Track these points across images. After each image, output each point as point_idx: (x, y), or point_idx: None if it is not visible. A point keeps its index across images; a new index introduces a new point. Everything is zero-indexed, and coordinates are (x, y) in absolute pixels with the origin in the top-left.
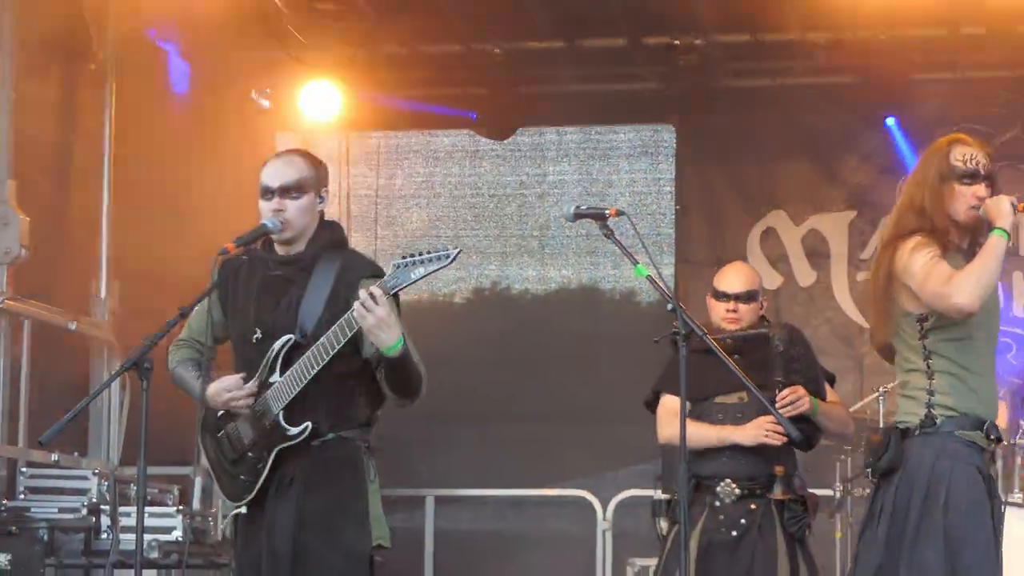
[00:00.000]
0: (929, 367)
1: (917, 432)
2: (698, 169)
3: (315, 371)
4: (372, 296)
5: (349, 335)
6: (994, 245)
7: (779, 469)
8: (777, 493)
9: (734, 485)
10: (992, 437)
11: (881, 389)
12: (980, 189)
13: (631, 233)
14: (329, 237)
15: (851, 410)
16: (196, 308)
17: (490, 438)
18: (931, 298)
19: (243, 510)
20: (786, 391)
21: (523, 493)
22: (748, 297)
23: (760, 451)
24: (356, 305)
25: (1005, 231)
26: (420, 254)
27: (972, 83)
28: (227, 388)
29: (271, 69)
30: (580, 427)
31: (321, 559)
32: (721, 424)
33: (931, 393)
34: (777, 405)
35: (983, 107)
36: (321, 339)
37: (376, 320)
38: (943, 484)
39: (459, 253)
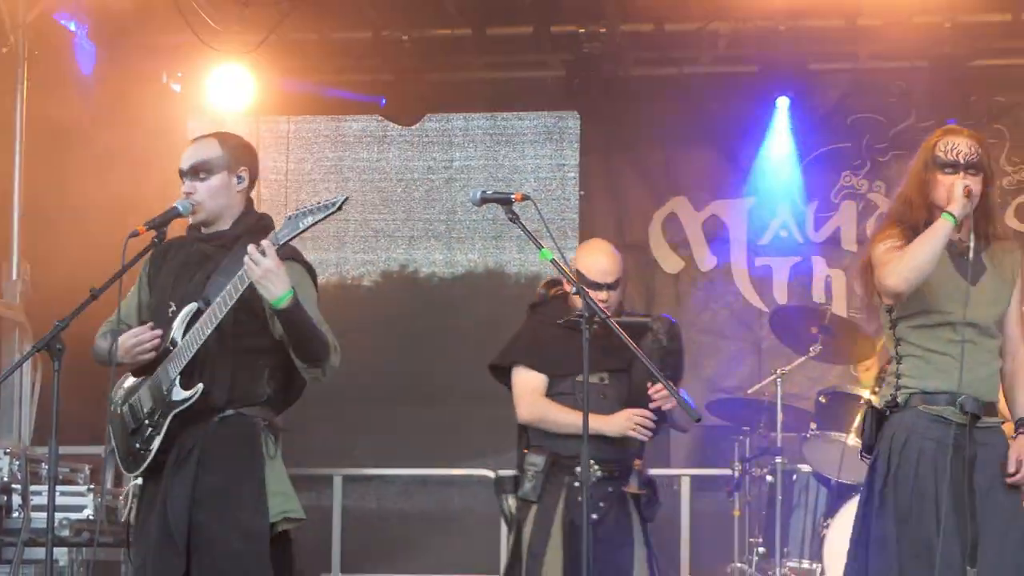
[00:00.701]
0: (898, 353)
1: (888, 412)
2: (602, 155)
3: (210, 330)
4: (261, 249)
5: (241, 290)
6: (935, 228)
7: (637, 463)
8: (632, 487)
9: (597, 467)
10: (968, 411)
11: (779, 371)
12: (959, 178)
13: (536, 218)
14: (256, 222)
15: (750, 392)
16: (129, 292)
17: (397, 418)
18: (877, 286)
19: (139, 481)
20: (656, 387)
21: (429, 472)
22: (617, 284)
23: (622, 437)
24: (245, 258)
25: (951, 215)
26: (309, 205)
27: (869, 73)
28: (134, 333)
29: (183, 54)
30: (485, 407)
31: (216, 538)
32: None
33: (898, 376)
34: (652, 396)
35: (880, 97)
36: (216, 298)
37: (263, 271)
38: (897, 456)
39: (346, 200)
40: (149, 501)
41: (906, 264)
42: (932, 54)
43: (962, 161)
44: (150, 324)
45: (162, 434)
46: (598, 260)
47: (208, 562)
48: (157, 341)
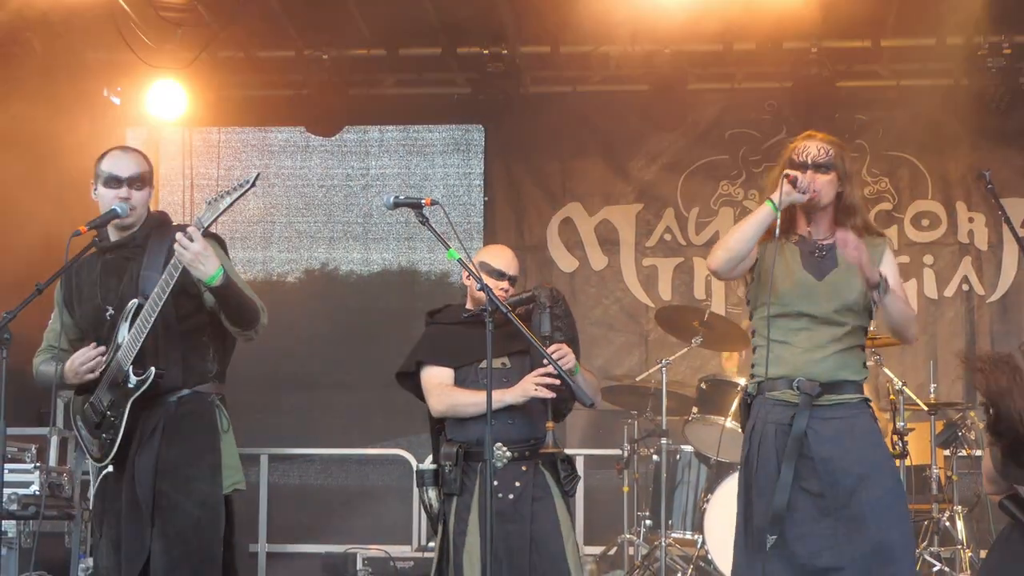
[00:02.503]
0: (753, 343)
1: (749, 401)
2: (504, 165)
3: (154, 318)
4: (187, 234)
5: (176, 276)
6: (754, 212)
7: (550, 424)
8: (549, 445)
9: (504, 448)
10: (803, 391)
11: (664, 361)
12: (806, 176)
13: (444, 221)
14: (158, 219)
15: (638, 380)
16: (49, 321)
17: (319, 403)
18: None
19: (110, 469)
20: (553, 346)
21: (348, 452)
22: (516, 279)
23: (527, 413)
24: (176, 246)
25: (772, 201)
26: (227, 187)
27: (744, 93)
28: (81, 353)
29: (122, 69)
30: (398, 393)
31: (178, 507)
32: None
33: (753, 365)
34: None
35: (754, 114)
36: (154, 290)
37: (193, 255)
38: (748, 441)
39: (258, 177)
40: (118, 480)
41: (721, 245)
42: (800, 76)
43: (809, 162)
44: (93, 344)
45: (124, 419)
46: (501, 253)
47: (170, 526)
48: (101, 358)
